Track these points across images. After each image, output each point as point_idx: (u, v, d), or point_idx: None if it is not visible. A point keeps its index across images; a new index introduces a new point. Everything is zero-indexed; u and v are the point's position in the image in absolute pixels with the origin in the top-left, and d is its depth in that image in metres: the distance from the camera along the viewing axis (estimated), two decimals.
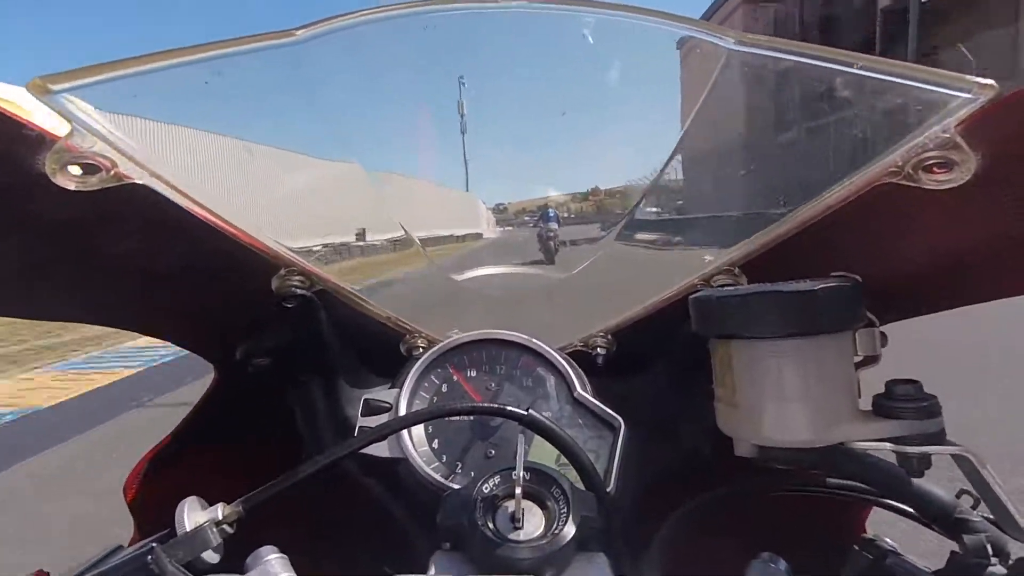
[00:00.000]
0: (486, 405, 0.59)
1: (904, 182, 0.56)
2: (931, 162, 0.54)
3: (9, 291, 0.66)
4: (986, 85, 0.49)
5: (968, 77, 0.50)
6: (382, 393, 0.74)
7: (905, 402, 0.48)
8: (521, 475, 0.48)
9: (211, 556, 0.47)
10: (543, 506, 0.48)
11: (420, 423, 0.71)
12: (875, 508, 0.64)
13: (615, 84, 0.81)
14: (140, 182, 0.57)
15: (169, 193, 0.60)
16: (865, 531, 0.76)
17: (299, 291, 0.74)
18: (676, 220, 1.15)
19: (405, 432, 0.69)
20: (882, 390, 0.51)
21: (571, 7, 0.71)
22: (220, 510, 0.50)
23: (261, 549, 0.47)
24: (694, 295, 0.54)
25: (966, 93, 0.51)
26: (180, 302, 0.74)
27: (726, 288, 0.61)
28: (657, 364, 0.85)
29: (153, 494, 0.77)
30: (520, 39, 0.76)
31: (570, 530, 0.45)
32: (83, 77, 0.53)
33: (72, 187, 0.54)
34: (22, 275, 0.64)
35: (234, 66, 0.60)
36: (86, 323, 0.74)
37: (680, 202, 1.16)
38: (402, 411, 0.72)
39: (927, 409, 0.48)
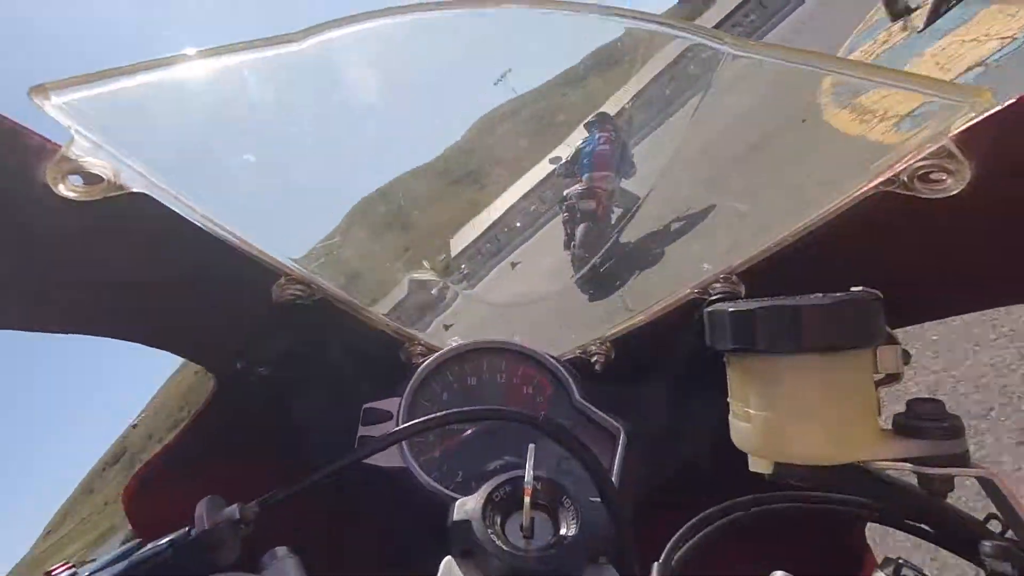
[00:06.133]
0: (501, 408, 0.58)
1: (900, 191, 0.56)
2: (926, 171, 0.55)
3: (8, 303, 0.65)
4: (983, 95, 0.50)
5: (966, 87, 0.51)
6: (383, 402, 0.74)
7: (926, 421, 0.47)
8: (531, 484, 0.47)
9: (227, 555, 0.47)
10: (553, 516, 0.48)
11: (431, 429, 0.70)
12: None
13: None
14: (141, 191, 0.57)
15: (170, 202, 0.59)
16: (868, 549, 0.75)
17: (299, 300, 0.74)
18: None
19: (405, 441, 0.69)
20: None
21: (570, 10, 0.71)
22: (238, 510, 0.50)
23: (276, 549, 0.47)
24: (709, 308, 0.53)
25: (963, 102, 0.51)
26: (179, 311, 0.74)
27: (738, 300, 0.60)
28: (656, 373, 0.85)
29: (150, 501, 0.76)
30: (518, 40, 0.77)
31: (579, 540, 0.45)
32: (85, 84, 0.53)
33: (74, 197, 0.54)
34: (21, 287, 0.63)
35: (237, 72, 0.60)
36: (84, 334, 0.73)
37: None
38: (403, 420, 0.72)
39: (949, 429, 0.47)
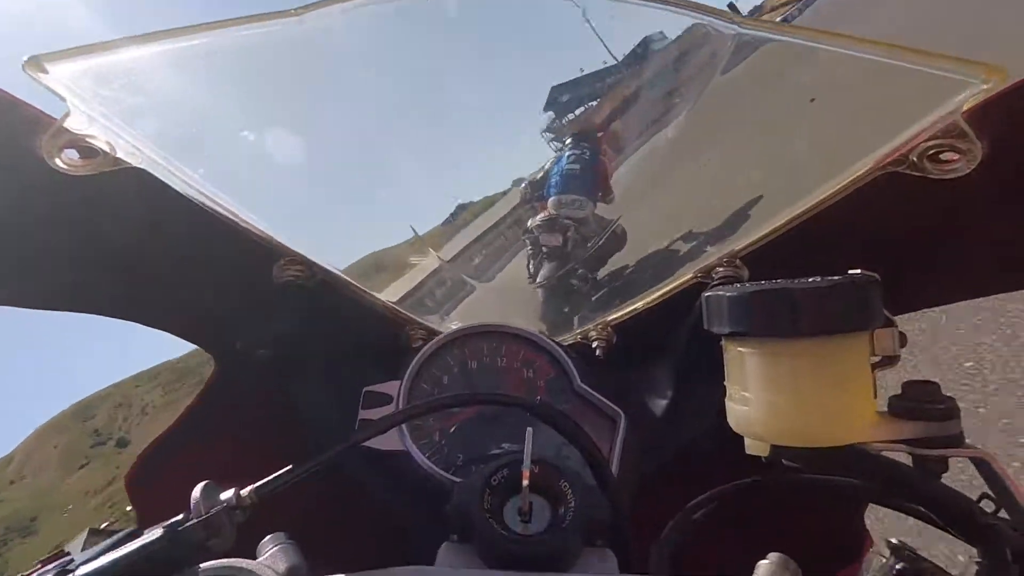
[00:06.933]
0: (497, 394, 0.58)
1: (909, 172, 0.55)
2: (936, 150, 0.53)
3: (5, 280, 0.65)
4: (997, 71, 0.49)
5: (978, 62, 0.49)
6: (383, 385, 0.74)
7: (922, 403, 0.47)
8: (529, 468, 0.47)
9: (223, 541, 0.47)
10: (551, 499, 0.48)
11: (429, 413, 0.70)
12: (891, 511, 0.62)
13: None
14: (139, 166, 0.56)
15: (167, 178, 0.59)
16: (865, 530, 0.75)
17: (299, 281, 0.73)
18: None
19: (405, 424, 0.68)
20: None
21: None
22: (234, 496, 0.50)
23: (273, 535, 0.47)
24: (706, 293, 0.53)
25: (975, 79, 0.50)
26: (178, 291, 0.73)
27: (736, 284, 0.59)
28: (658, 358, 0.84)
29: (155, 484, 0.76)
30: (523, 18, 0.76)
31: (577, 524, 0.45)
32: (82, 56, 0.52)
33: (69, 171, 0.53)
34: (18, 263, 0.63)
35: (234, 45, 0.59)
36: (83, 312, 0.73)
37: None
38: (403, 403, 0.71)
39: (944, 411, 0.47)
